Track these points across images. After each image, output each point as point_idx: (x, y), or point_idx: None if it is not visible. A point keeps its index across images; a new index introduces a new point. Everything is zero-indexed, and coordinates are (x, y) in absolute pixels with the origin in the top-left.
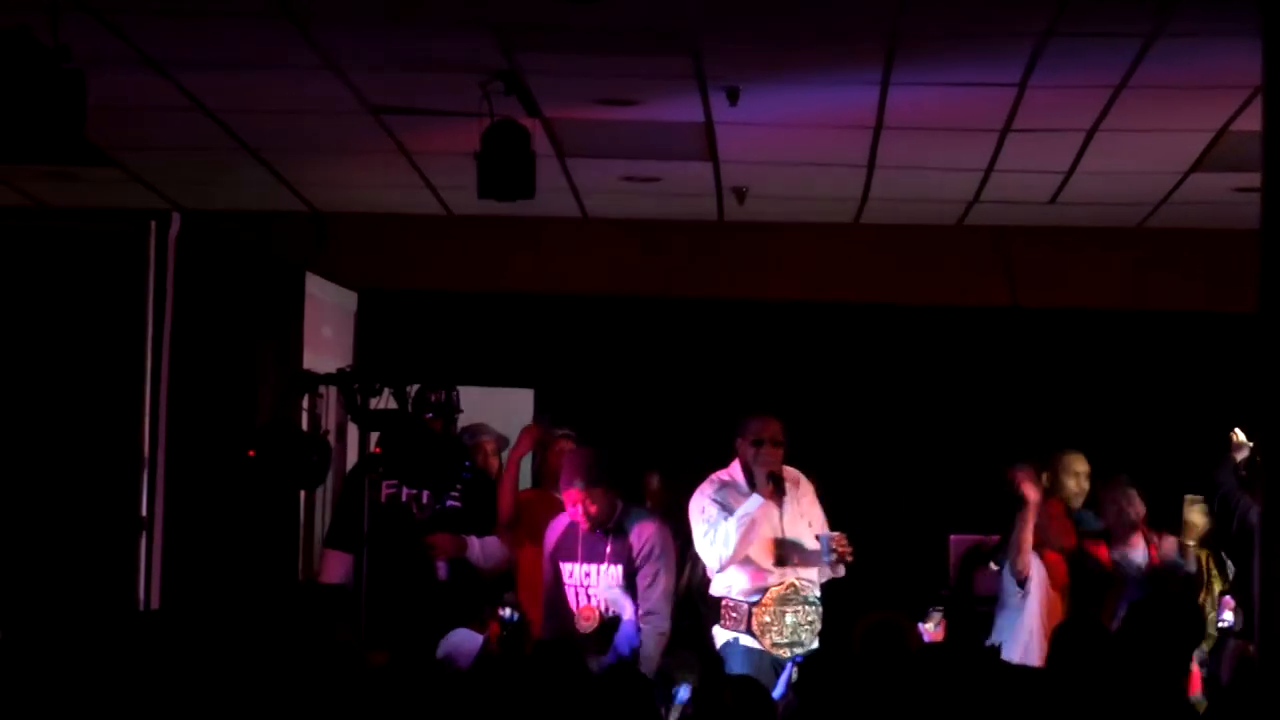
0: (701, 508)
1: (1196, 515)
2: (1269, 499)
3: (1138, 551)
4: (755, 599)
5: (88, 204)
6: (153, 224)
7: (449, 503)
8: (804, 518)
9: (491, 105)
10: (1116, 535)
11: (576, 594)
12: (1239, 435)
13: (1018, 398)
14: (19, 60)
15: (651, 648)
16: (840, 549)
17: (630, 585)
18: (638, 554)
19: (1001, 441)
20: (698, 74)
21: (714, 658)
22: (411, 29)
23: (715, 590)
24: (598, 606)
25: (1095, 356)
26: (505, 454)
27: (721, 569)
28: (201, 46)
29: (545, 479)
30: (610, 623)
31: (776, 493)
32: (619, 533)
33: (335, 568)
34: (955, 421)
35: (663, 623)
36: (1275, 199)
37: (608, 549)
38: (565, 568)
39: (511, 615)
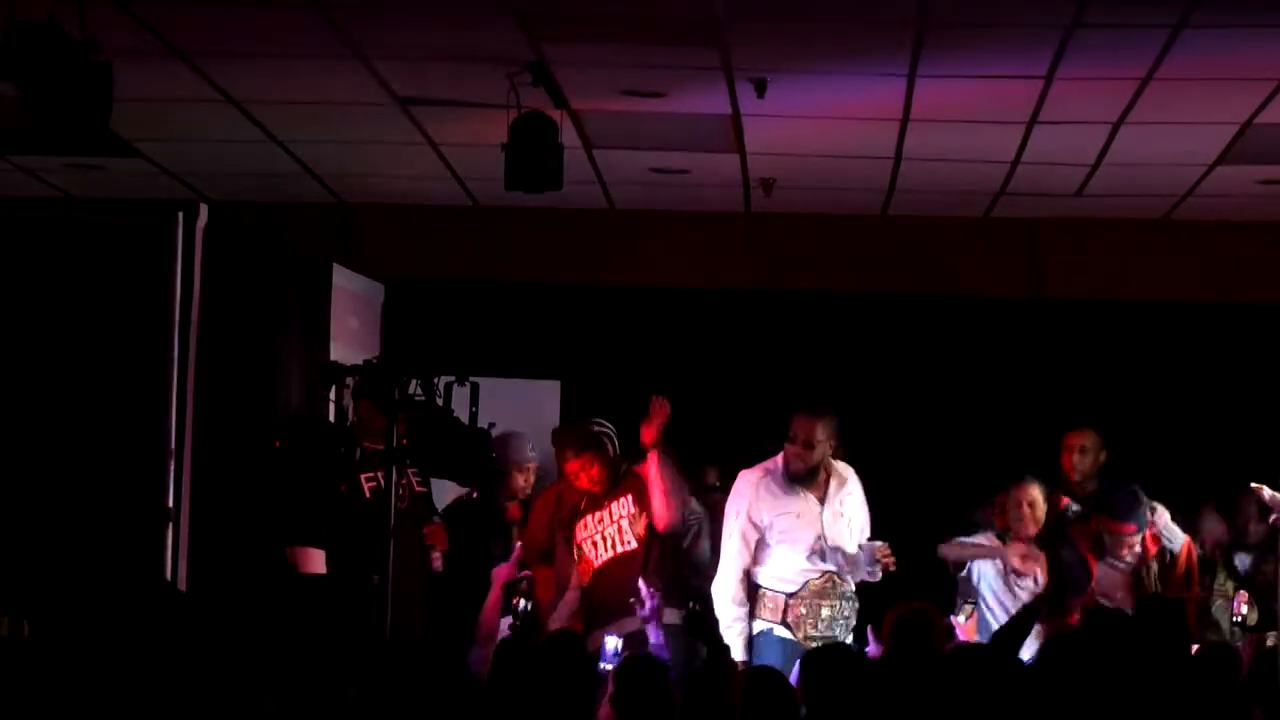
0: (736, 511)
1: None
2: None
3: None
4: (792, 590)
5: (114, 195)
6: (179, 215)
7: (419, 488)
8: (844, 517)
9: (519, 97)
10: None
11: (595, 545)
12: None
13: (1044, 389)
14: (47, 52)
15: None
16: (884, 559)
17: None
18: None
19: (1027, 433)
20: (725, 66)
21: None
22: (439, 20)
23: (756, 579)
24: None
25: (1122, 348)
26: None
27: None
28: (229, 38)
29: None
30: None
31: (811, 489)
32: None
33: (313, 563)
34: (982, 413)
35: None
36: None
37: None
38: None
39: (525, 606)
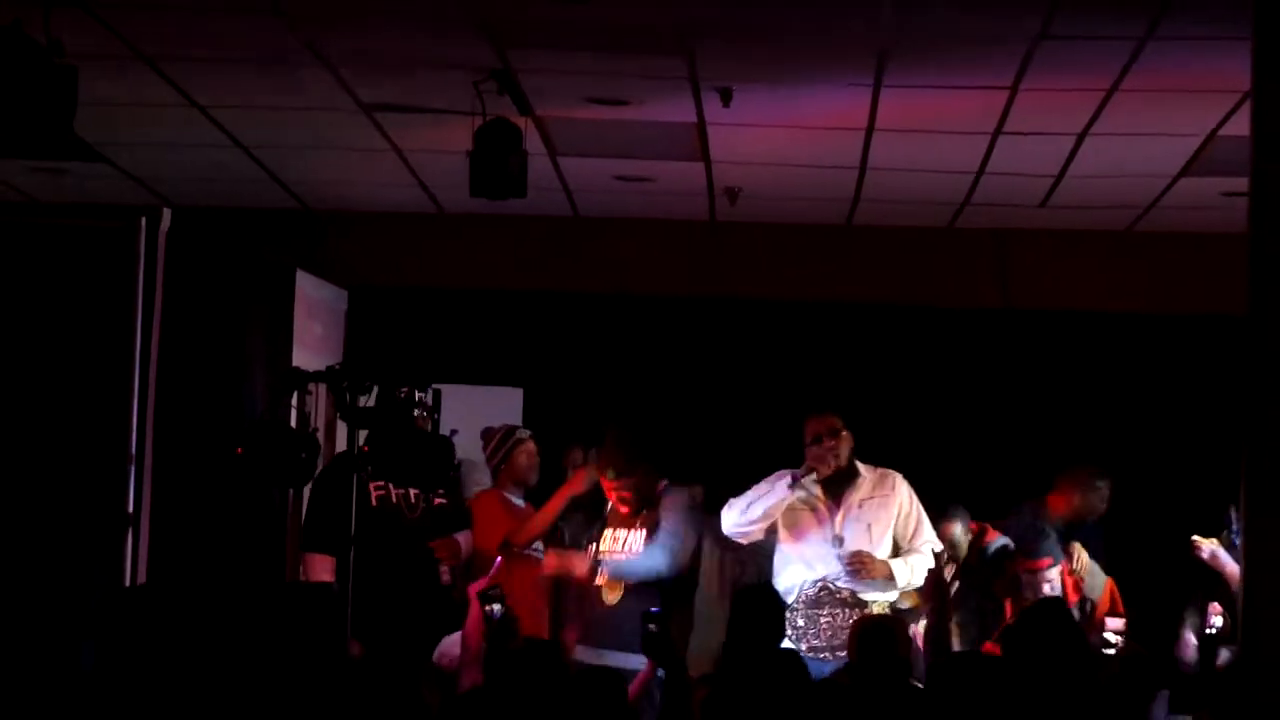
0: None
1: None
2: (1250, 505)
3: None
4: (789, 601)
5: (78, 200)
6: (143, 220)
7: (436, 500)
8: (864, 521)
9: (484, 104)
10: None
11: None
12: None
13: (1008, 399)
14: (11, 56)
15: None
16: (853, 565)
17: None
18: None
19: (993, 442)
20: (691, 74)
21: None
22: (405, 27)
23: None
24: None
25: (1085, 358)
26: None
27: (730, 531)
28: (194, 43)
29: (503, 478)
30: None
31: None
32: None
33: (321, 570)
34: (945, 423)
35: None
36: (1263, 203)
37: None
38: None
39: (497, 612)
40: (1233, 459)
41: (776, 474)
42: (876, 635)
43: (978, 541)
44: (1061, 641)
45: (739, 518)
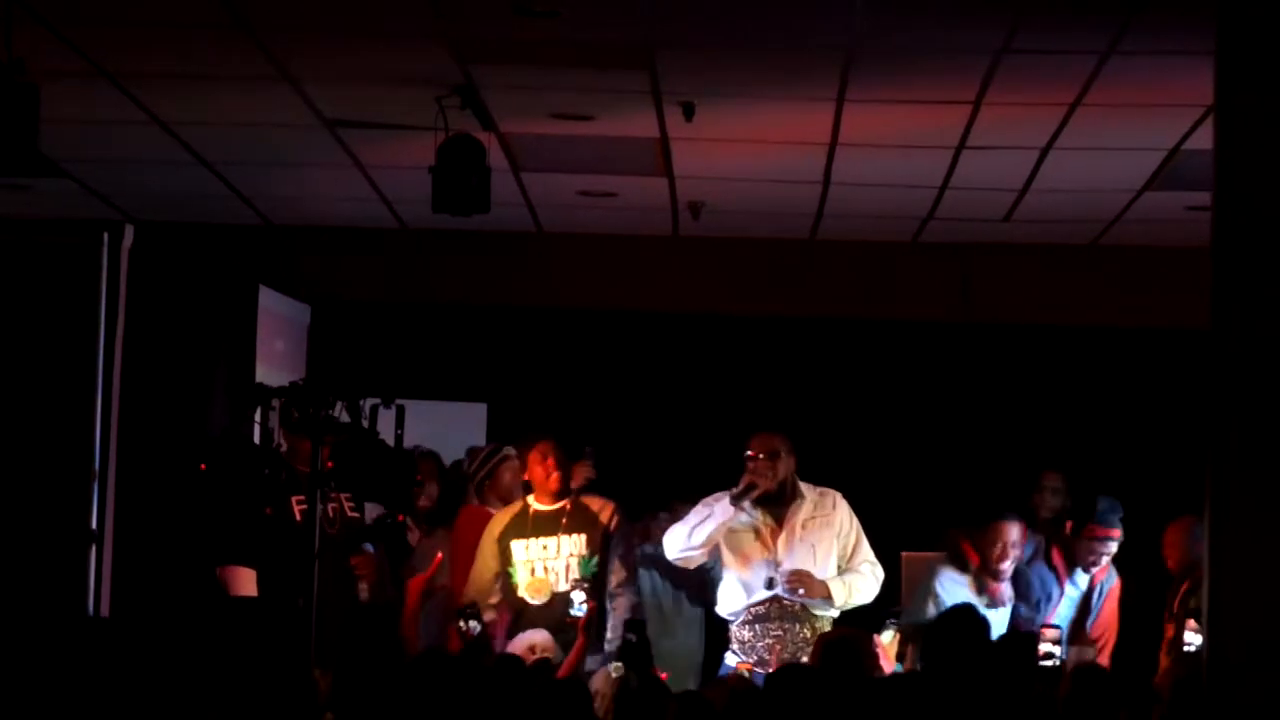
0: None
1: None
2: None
3: None
4: (734, 618)
5: (40, 215)
6: (105, 235)
7: (349, 514)
8: (809, 542)
9: (447, 119)
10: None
11: (533, 570)
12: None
13: (972, 413)
14: None
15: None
16: (792, 584)
17: (597, 556)
18: (605, 525)
19: (954, 457)
20: (653, 89)
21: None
22: (367, 42)
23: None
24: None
25: (1049, 372)
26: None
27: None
28: (156, 59)
29: (488, 494)
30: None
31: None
32: (578, 508)
33: (244, 583)
34: (908, 437)
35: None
36: (1226, 218)
37: (563, 521)
38: (516, 545)
39: (472, 628)
40: (1195, 472)
41: (713, 496)
42: (841, 650)
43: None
44: (972, 652)
45: (684, 543)
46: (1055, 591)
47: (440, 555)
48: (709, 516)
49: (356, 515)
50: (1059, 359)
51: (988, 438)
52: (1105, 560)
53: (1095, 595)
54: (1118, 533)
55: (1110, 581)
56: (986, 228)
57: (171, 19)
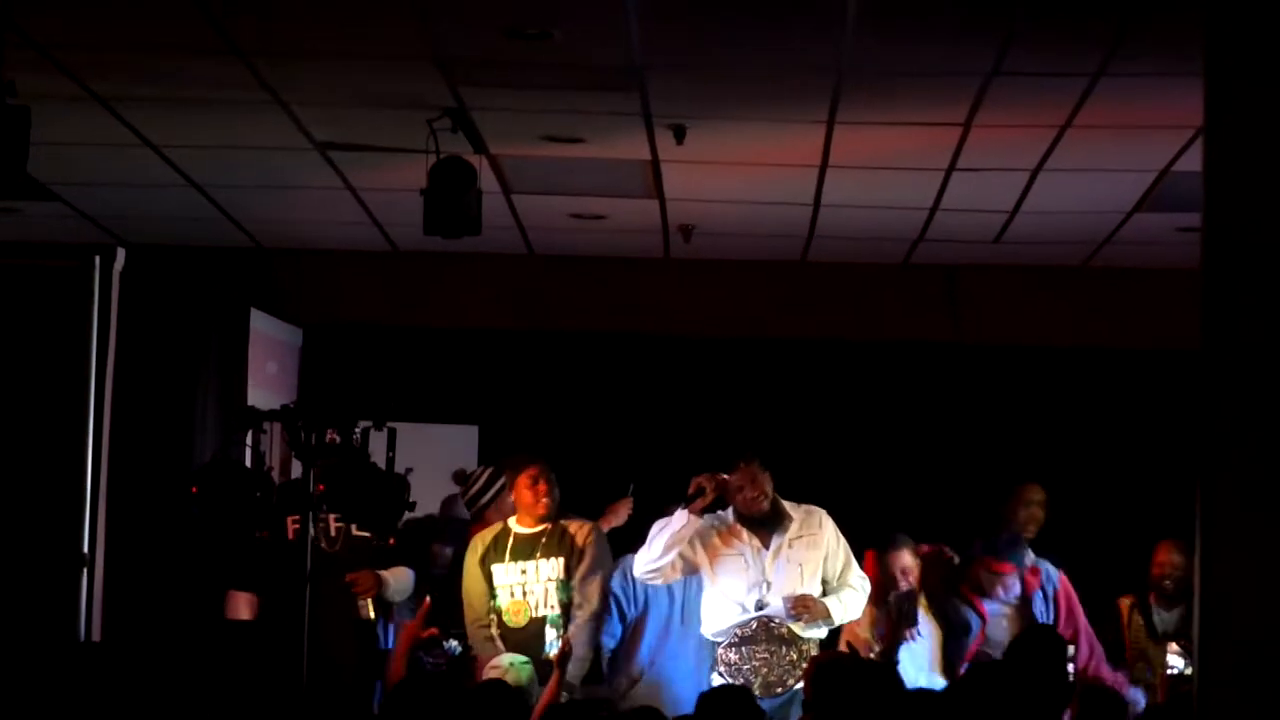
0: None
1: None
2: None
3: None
4: (721, 639)
5: (31, 239)
6: (97, 259)
7: (355, 533)
8: (795, 561)
9: (438, 142)
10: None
11: (512, 593)
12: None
13: (962, 434)
14: None
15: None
16: (797, 609)
17: (568, 580)
18: (580, 548)
19: (946, 477)
20: (644, 112)
21: None
22: (358, 65)
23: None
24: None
25: (1040, 394)
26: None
27: (642, 574)
28: (147, 82)
29: (490, 517)
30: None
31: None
32: (556, 531)
33: (243, 607)
34: (898, 458)
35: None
36: (1216, 240)
37: (541, 542)
38: (496, 569)
39: (454, 648)
40: (1185, 495)
41: (670, 510)
42: (833, 674)
43: (935, 562)
44: (859, 685)
45: (644, 555)
46: (973, 619)
47: (429, 601)
48: (665, 526)
49: (365, 535)
50: (1049, 380)
51: (978, 459)
52: (1013, 592)
53: (1041, 603)
54: (1011, 568)
55: (1051, 585)
56: (976, 249)
57: (163, 42)
